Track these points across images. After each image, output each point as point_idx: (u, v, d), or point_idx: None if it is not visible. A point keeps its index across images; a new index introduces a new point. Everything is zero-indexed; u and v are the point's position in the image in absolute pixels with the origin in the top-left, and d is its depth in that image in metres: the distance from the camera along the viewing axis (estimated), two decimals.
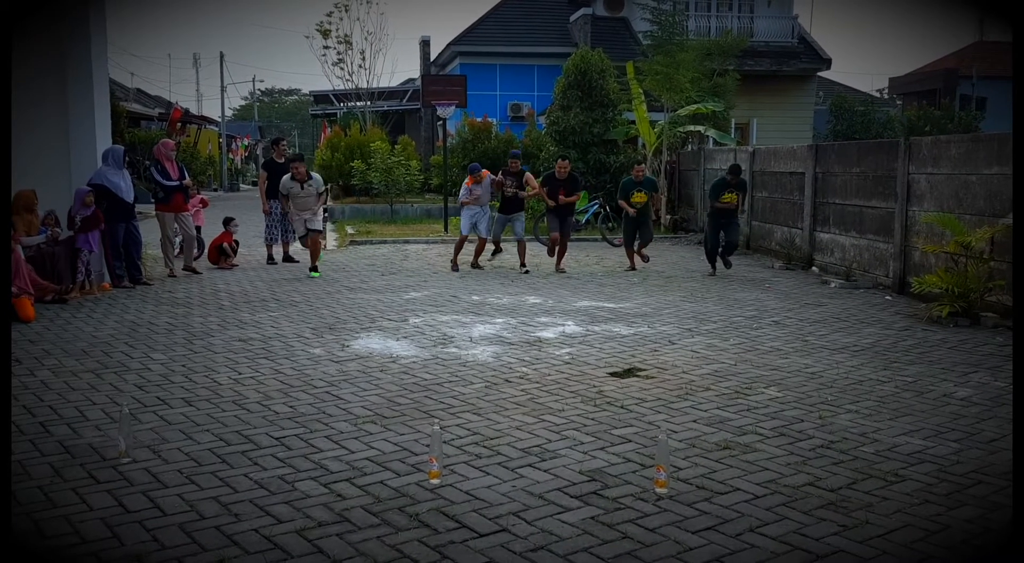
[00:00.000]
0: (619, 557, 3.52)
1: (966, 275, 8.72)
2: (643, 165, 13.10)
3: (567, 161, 12.41)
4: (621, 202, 12.48)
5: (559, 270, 12.21)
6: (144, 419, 5.27)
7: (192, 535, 3.67)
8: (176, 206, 11.73)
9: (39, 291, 8.88)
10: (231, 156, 46.91)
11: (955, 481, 4.38)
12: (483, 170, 12.57)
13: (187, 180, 11.91)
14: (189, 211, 12.08)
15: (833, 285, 11.18)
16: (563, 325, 8.42)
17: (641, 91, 18.16)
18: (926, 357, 7.18)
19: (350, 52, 31.02)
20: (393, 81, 38.81)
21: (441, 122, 19.17)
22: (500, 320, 8.66)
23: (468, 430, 5.13)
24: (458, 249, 12.58)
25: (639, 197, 12.33)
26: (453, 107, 17.93)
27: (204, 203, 13.55)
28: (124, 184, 10.47)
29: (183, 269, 11.90)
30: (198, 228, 12.78)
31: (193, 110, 43.69)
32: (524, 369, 6.69)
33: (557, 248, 12.30)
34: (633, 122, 18.80)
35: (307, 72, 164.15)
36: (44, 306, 8.90)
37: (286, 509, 3.96)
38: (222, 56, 45.71)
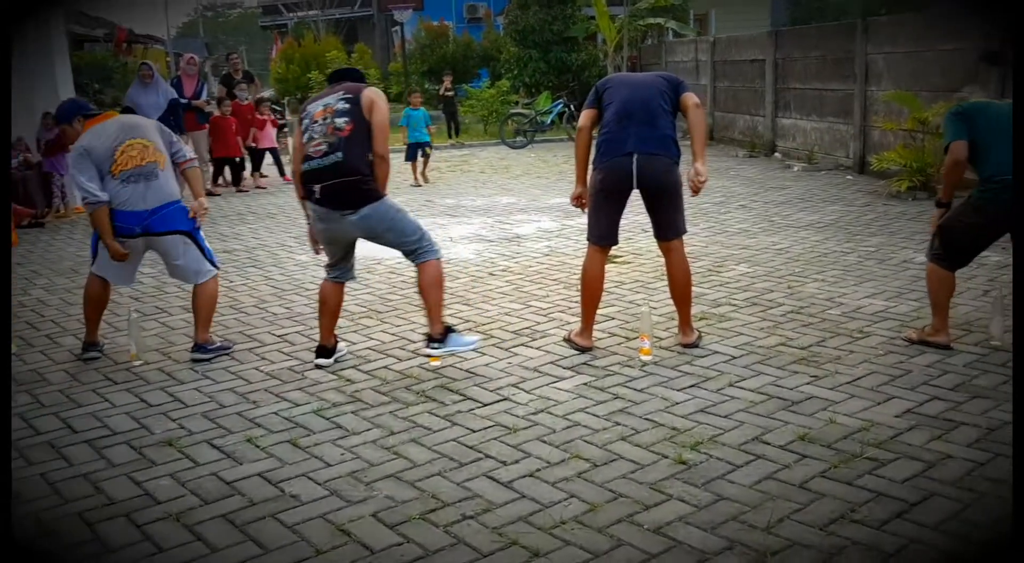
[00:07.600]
0: (613, 414, 3.85)
1: (923, 150, 9.03)
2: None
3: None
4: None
5: None
6: (147, 326, 5.47)
7: (216, 421, 3.94)
8: (187, 126, 10.77)
9: (16, 216, 8.89)
10: (178, 74, 45.74)
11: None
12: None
13: (200, 101, 10.96)
14: (203, 131, 11.18)
15: (796, 169, 11.48)
16: (538, 221, 8.65)
17: None
18: (886, 229, 7.54)
19: None
20: None
21: (397, 28, 18.88)
22: (477, 220, 8.88)
23: (460, 319, 5.39)
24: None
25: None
26: (410, 11, 17.68)
27: (273, 124, 12.33)
28: (145, 101, 9.81)
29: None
30: (273, 151, 12.18)
31: (136, 30, 42.27)
32: (506, 263, 6.95)
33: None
34: (593, 18, 18.63)
35: None
36: (23, 231, 8.93)
37: (300, 394, 4.23)
38: None
